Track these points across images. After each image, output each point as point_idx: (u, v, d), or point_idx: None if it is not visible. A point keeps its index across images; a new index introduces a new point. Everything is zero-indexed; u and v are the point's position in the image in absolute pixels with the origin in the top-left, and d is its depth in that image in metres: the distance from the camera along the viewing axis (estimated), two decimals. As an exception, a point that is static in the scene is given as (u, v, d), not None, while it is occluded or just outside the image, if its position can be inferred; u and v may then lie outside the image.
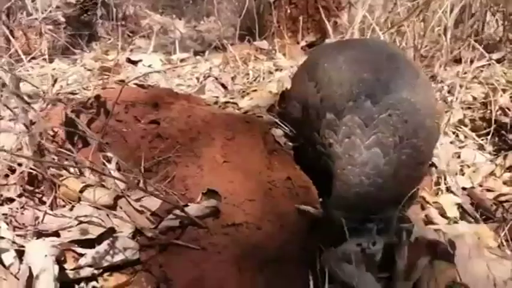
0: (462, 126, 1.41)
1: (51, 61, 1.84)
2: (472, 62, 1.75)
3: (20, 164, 0.87)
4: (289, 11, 1.99)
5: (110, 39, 2.63)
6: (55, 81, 1.09)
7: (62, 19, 2.58)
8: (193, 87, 1.64)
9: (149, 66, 1.85)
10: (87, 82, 1.36)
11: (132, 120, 0.97)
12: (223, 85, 1.65)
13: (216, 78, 1.68)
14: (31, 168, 0.79)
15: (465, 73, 1.64)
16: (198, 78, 1.72)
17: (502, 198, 1.12)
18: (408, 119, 0.83)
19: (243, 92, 1.58)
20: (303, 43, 1.96)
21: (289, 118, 1.12)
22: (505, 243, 0.91)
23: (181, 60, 1.90)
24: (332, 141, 0.84)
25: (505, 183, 1.17)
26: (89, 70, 1.70)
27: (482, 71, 1.68)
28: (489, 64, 1.68)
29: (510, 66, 1.73)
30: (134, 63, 1.90)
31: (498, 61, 1.75)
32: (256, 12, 2.03)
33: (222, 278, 0.73)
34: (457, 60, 1.77)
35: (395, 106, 0.83)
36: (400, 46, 1.76)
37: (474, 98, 1.56)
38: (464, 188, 1.15)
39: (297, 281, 0.75)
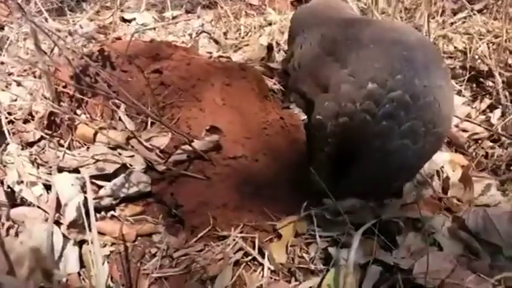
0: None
1: (46, 21, 1.88)
2: (455, 13, 1.83)
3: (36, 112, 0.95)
4: (277, -34, 2.02)
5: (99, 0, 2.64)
6: (70, 33, 1.15)
7: (50, -19, 2.57)
8: (186, 43, 1.70)
9: (142, 24, 1.89)
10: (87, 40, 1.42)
11: (136, 71, 1.04)
12: (215, 40, 1.71)
13: (209, 34, 1.74)
14: (51, 113, 0.88)
15: (451, 24, 1.71)
16: (190, 35, 1.78)
17: (475, 137, 1.23)
18: (441, 107, 0.80)
19: (236, 46, 1.65)
20: (292, -2, 2.01)
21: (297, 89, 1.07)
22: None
23: (174, 18, 1.94)
24: (369, 117, 0.79)
25: (479, 124, 1.27)
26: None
27: (464, 22, 1.76)
28: (471, 15, 1.75)
29: (490, 16, 1.79)
30: (128, 21, 1.94)
31: (479, 11, 1.82)
32: (245, -32, 2.06)
33: (224, 202, 0.83)
34: (442, 12, 1.84)
35: (435, 91, 0.79)
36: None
37: (455, 48, 1.64)
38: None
39: (289, 203, 0.86)
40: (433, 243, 0.78)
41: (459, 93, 1.44)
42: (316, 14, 1.17)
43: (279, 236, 0.80)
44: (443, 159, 1.02)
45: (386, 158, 0.80)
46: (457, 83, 1.46)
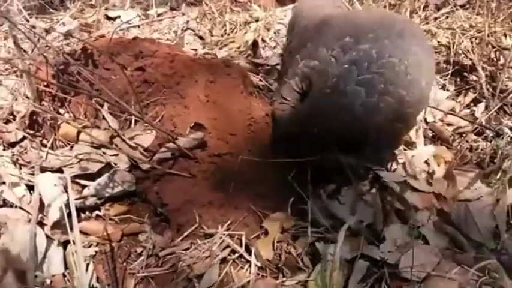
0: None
1: (26, 20, 1.85)
2: (438, 9, 1.84)
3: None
4: (262, -38, 2.02)
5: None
6: (47, 31, 1.13)
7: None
8: (172, 40, 1.69)
9: (127, 22, 1.87)
10: (70, 38, 1.40)
11: (118, 69, 1.03)
12: (201, 37, 1.70)
13: (194, 31, 1.73)
14: (33, 112, 0.86)
15: (435, 19, 1.73)
16: (176, 32, 1.77)
17: (460, 131, 1.24)
18: (410, 71, 0.83)
19: (221, 43, 1.64)
20: (277, -6, 2.00)
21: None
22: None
23: (159, 15, 1.92)
24: (333, 60, 0.86)
25: (463, 118, 1.28)
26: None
27: (448, 17, 1.77)
28: (454, 10, 1.76)
29: (473, 11, 1.81)
30: (112, 19, 1.92)
31: (462, 6, 1.84)
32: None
33: (210, 199, 0.83)
34: (425, 7, 1.85)
35: (405, 56, 0.84)
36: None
37: (439, 43, 1.65)
38: (427, 122, 1.26)
39: (276, 199, 0.85)
40: (418, 236, 0.78)
41: (443, 87, 1.45)
42: (307, 8, 1.21)
43: (266, 233, 0.80)
44: (428, 152, 1.03)
45: (337, 97, 0.85)
46: (441, 78, 1.47)
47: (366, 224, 0.80)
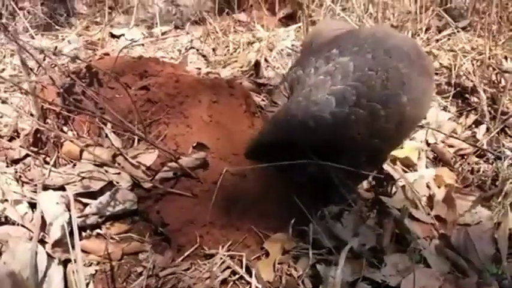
0: (428, 90, 1.51)
1: (32, 38, 1.88)
2: (440, 31, 1.87)
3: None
4: (266, -17, 2.06)
5: (89, 15, 2.64)
6: (55, 48, 1.14)
7: (40, -4, 2.57)
8: (175, 59, 1.71)
9: (131, 40, 1.90)
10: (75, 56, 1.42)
11: (122, 88, 1.04)
12: (204, 56, 1.72)
13: (198, 50, 1.75)
14: (37, 130, 0.87)
15: (436, 41, 1.75)
16: (180, 51, 1.79)
17: (461, 152, 1.25)
18: (389, 86, 0.84)
19: (224, 62, 1.66)
20: (280, 15, 2.03)
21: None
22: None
23: (163, 34, 1.95)
24: (313, 71, 0.89)
25: (465, 140, 1.29)
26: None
27: (449, 38, 1.79)
28: (455, 32, 1.79)
29: (474, 34, 1.83)
30: (117, 37, 1.95)
31: (463, 28, 1.87)
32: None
33: (211, 220, 0.83)
34: (427, 29, 1.87)
35: (386, 69, 0.84)
36: (372, 16, 1.86)
37: (440, 64, 1.67)
38: (428, 144, 1.27)
39: (277, 219, 0.85)
40: (419, 260, 0.78)
41: (445, 109, 1.46)
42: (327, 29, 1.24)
43: (267, 254, 0.80)
44: (429, 175, 1.03)
45: (307, 106, 0.85)
46: (442, 99, 1.48)
47: (368, 247, 0.79)
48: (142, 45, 1.75)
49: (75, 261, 0.68)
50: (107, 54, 1.55)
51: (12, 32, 0.81)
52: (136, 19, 2.12)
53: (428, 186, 0.99)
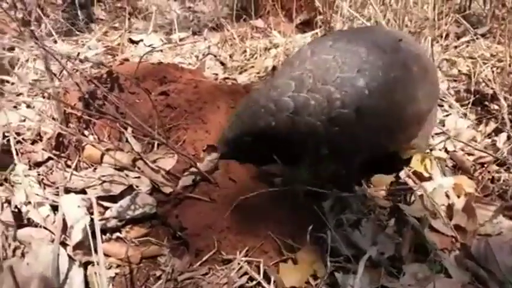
0: (447, 97, 1.50)
1: (55, 43, 1.91)
2: (458, 37, 1.85)
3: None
4: (283, -10, 2.07)
5: (108, 21, 2.68)
6: (78, 54, 1.17)
7: (59, 1, 2.63)
8: (193, 65, 1.73)
9: (150, 45, 1.92)
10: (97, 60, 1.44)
11: (143, 93, 1.06)
12: (221, 62, 1.73)
13: (215, 56, 1.77)
14: (59, 134, 0.89)
15: (455, 47, 1.73)
16: (197, 56, 1.81)
17: (481, 161, 1.23)
18: (345, 71, 0.84)
19: (241, 68, 1.67)
20: (297, 21, 2.04)
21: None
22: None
23: (181, 40, 1.97)
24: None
25: (485, 148, 1.27)
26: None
27: (468, 45, 1.78)
28: (474, 39, 1.77)
29: (494, 41, 1.81)
30: (135, 43, 1.98)
31: (483, 35, 1.85)
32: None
33: (229, 225, 0.83)
34: (446, 36, 1.86)
35: (344, 55, 0.85)
36: (389, 23, 1.85)
37: (459, 71, 1.65)
38: (447, 151, 1.25)
39: (294, 225, 0.85)
40: (439, 270, 0.77)
41: (464, 116, 1.44)
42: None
43: (285, 260, 0.80)
44: (448, 184, 1.02)
45: (268, 90, 0.87)
46: (461, 106, 1.47)
47: (387, 256, 0.79)
48: (161, 50, 1.77)
49: (97, 264, 0.68)
50: (126, 59, 1.58)
51: (39, 37, 0.83)
52: (154, 25, 2.15)
53: (447, 195, 0.98)
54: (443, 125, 1.38)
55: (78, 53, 1.27)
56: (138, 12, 2.74)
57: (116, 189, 0.90)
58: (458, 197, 0.99)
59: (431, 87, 0.99)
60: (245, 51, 1.77)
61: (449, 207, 0.94)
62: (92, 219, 0.80)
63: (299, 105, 0.84)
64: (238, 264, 0.79)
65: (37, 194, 0.85)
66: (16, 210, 0.85)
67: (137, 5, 3.01)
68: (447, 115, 1.44)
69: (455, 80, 1.62)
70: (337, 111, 0.83)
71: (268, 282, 0.76)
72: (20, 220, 0.84)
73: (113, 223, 0.86)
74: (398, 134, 0.94)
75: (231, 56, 1.76)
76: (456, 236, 0.86)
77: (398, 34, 0.97)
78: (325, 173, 0.89)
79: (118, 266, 0.82)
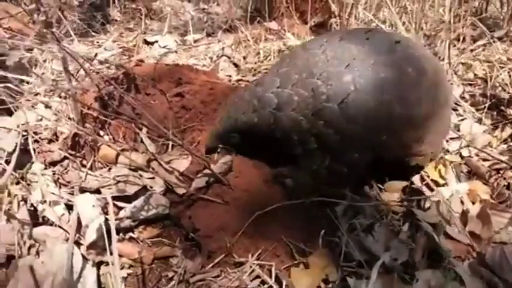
0: (462, 101, 1.49)
1: (71, 43, 1.94)
2: (474, 40, 1.83)
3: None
4: (297, -8, 2.06)
5: (123, 22, 2.71)
6: (95, 55, 1.18)
7: (76, 2, 2.66)
8: (207, 66, 1.73)
9: (164, 47, 1.94)
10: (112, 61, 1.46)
11: (159, 94, 1.06)
12: (235, 64, 1.74)
13: (229, 58, 1.77)
14: (75, 134, 0.90)
15: (471, 51, 1.71)
16: (211, 58, 1.81)
17: (497, 167, 1.21)
18: (333, 65, 0.83)
19: (255, 70, 1.67)
20: (311, 23, 2.03)
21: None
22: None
23: (195, 41, 1.98)
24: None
25: (500, 153, 1.25)
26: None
27: (484, 49, 1.75)
28: (490, 43, 1.74)
29: (510, 44, 1.79)
30: (150, 44, 1.99)
31: (500, 39, 1.82)
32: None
33: (241, 227, 0.83)
34: (464, 39, 1.83)
35: (333, 50, 0.85)
36: (405, 25, 1.84)
37: (475, 75, 1.63)
38: (462, 157, 1.24)
39: (306, 229, 0.85)
40: (453, 278, 0.76)
41: (480, 121, 1.43)
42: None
43: (297, 265, 0.80)
44: (463, 190, 1.00)
45: (253, 87, 0.88)
46: (477, 111, 1.45)
47: (400, 261, 0.78)
48: (176, 52, 1.78)
49: (111, 264, 0.69)
50: (141, 60, 1.59)
51: (59, 37, 0.85)
52: (169, 26, 2.16)
53: (461, 202, 0.97)
54: (458, 130, 1.36)
55: (96, 54, 1.28)
56: (153, 13, 2.76)
57: (130, 190, 0.91)
58: (473, 203, 0.97)
59: (431, 91, 0.95)
60: (259, 53, 1.77)
61: (464, 214, 0.93)
62: (106, 219, 0.81)
63: (282, 101, 0.85)
64: (250, 267, 0.79)
65: (53, 193, 0.86)
66: (32, 208, 0.86)
67: (152, 7, 3.04)
68: (462, 119, 1.43)
69: (470, 84, 1.60)
70: (322, 105, 0.83)
71: (280, 286, 0.76)
72: (36, 218, 0.86)
73: (126, 223, 0.87)
74: (388, 136, 0.89)
75: (244, 58, 1.77)
76: (472, 243, 0.85)
77: (398, 36, 0.96)
78: (322, 170, 0.88)
79: (130, 266, 0.83)
